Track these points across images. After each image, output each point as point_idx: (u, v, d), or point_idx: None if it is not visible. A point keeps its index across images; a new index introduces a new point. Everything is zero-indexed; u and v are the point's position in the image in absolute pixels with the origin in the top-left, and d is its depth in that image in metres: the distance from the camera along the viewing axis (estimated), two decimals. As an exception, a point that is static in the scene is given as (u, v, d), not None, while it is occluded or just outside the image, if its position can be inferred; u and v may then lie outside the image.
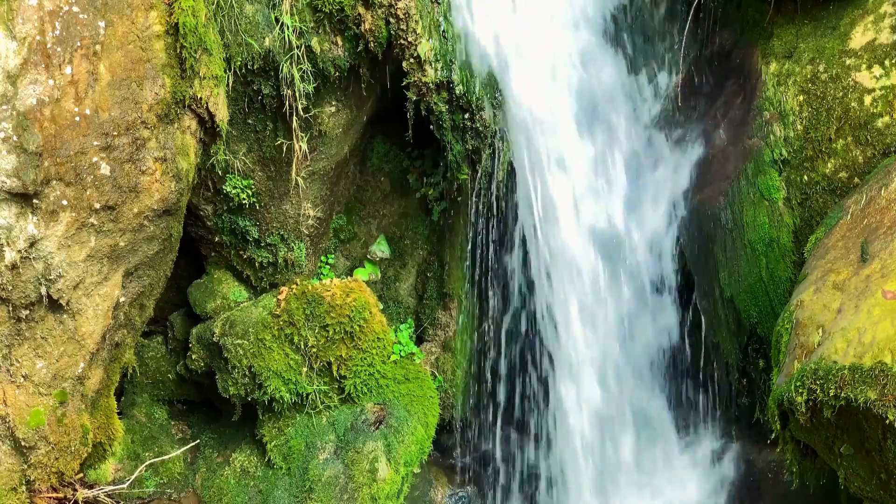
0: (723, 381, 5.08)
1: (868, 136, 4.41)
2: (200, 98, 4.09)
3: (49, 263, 3.76)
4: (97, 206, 3.79)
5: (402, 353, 5.17)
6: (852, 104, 4.46)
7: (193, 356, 5.11)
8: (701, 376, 5.20)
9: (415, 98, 4.59)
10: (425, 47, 4.44)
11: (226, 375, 4.94)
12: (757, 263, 4.72)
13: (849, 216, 3.96)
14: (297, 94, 4.53)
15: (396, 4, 4.38)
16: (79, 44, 3.64)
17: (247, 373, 4.87)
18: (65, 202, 3.71)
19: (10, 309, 3.78)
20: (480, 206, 5.00)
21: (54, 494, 4.28)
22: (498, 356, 5.44)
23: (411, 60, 4.49)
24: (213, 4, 4.25)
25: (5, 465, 3.95)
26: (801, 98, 4.64)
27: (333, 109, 4.77)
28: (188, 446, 5.22)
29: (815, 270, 3.80)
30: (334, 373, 4.92)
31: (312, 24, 4.46)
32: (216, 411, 5.40)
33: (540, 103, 4.79)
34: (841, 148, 4.50)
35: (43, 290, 3.79)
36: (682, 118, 5.20)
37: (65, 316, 3.92)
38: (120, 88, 3.77)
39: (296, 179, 4.84)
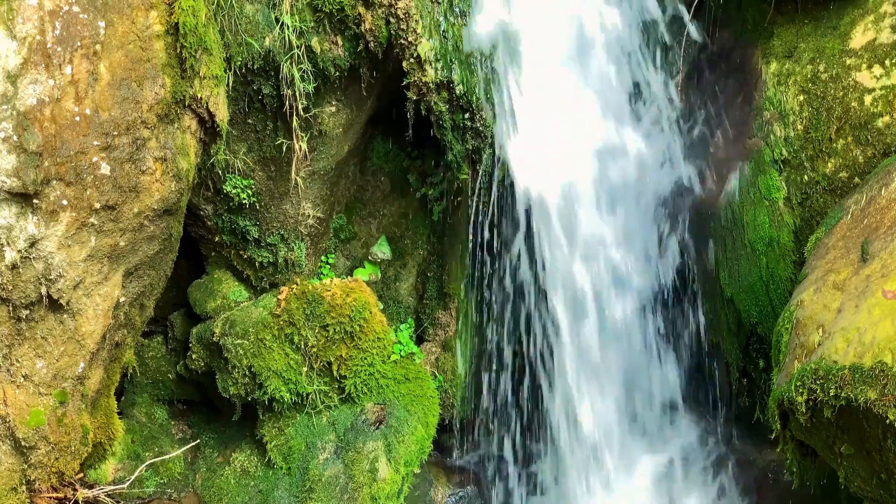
0: (723, 380, 5.08)
1: (868, 136, 4.41)
2: (200, 98, 4.09)
3: (49, 263, 3.76)
4: (97, 205, 3.79)
5: (403, 353, 5.17)
6: (852, 104, 4.46)
7: (193, 356, 5.11)
8: (702, 376, 5.20)
9: (415, 98, 4.59)
10: (425, 47, 4.45)
11: (226, 375, 4.94)
12: (757, 263, 4.72)
13: (849, 216, 3.96)
14: (297, 94, 4.53)
15: (396, 4, 4.38)
16: (79, 43, 3.64)
17: (247, 372, 4.87)
18: (65, 202, 3.71)
19: (11, 309, 3.78)
20: (481, 206, 5.00)
21: (54, 494, 4.28)
22: (498, 356, 5.44)
23: (411, 60, 4.49)
24: (213, 4, 4.25)
25: (5, 465, 3.95)
26: (801, 98, 4.64)
27: (333, 109, 4.77)
28: (188, 446, 5.22)
29: (816, 270, 3.79)
30: (334, 373, 4.92)
31: (312, 24, 4.46)
32: (216, 411, 5.40)
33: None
34: (841, 148, 4.50)
35: (43, 290, 3.79)
36: (683, 117, 5.20)
37: (65, 316, 3.92)
38: (120, 88, 3.77)
39: (296, 179, 4.84)
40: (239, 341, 4.85)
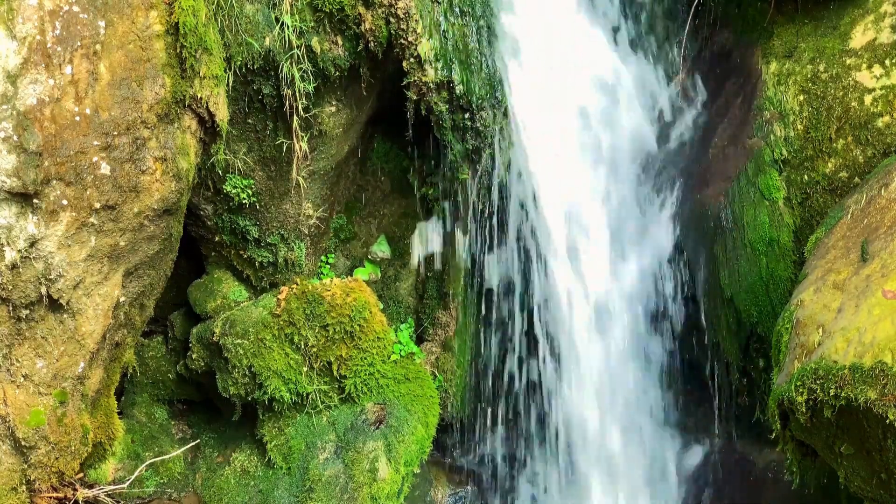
0: (723, 380, 5.08)
1: (868, 136, 4.41)
2: (200, 98, 4.09)
3: (49, 263, 3.76)
4: (97, 205, 3.79)
5: (403, 353, 5.17)
6: (852, 104, 4.46)
7: (193, 356, 5.11)
8: (701, 376, 5.20)
9: (415, 98, 4.59)
10: (425, 47, 4.44)
11: (226, 375, 4.94)
12: (757, 263, 4.72)
13: (849, 216, 3.96)
14: (297, 94, 4.53)
15: (396, 4, 4.38)
16: (79, 43, 3.64)
17: (247, 372, 4.87)
18: (65, 202, 3.71)
19: (11, 309, 3.78)
20: (481, 206, 5.00)
21: (54, 494, 4.28)
22: (498, 355, 5.44)
23: (411, 60, 4.49)
24: (213, 4, 4.25)
25: (5, 465, 3.95)
26: (801, 98, 4.64)
27: (333, 109, 4.77)
28: (188, 446, 5.22)
29: (816, 270, 3.79)
30: (334, 372, 4.92)
31: (312, 24, 4.46)
32: (216, 411, 5.40)
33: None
34: (841, 147, 4.49)
35: (43, 290, 3.79)
36: (683, 117, 5.20)
37: (65, 315, 3.92)
38: (120, 88, 3.77)
39: (296, 179, 4.84)
40: (239, 341, 4.85)
